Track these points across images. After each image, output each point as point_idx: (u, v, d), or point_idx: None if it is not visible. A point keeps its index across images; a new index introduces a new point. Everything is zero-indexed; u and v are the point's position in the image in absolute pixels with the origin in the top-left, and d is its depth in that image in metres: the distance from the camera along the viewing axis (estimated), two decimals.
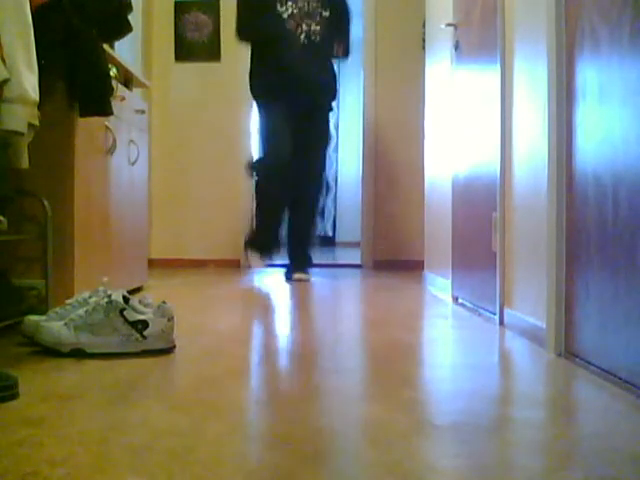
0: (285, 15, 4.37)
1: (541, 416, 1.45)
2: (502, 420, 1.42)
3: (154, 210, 5.41)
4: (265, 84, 4.48)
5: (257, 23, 4.46)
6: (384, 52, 5.56)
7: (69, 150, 2.52)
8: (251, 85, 4.56)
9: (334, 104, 4.72)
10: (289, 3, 4.40)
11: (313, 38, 4.40)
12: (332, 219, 9.29)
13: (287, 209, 4.52)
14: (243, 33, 4.53)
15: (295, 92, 4.38)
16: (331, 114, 4.73)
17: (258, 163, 4.55)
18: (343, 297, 3.82)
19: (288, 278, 4.47)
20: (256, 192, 4.57)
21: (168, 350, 2.02)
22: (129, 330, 1.97)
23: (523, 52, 2.47)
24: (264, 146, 4.48)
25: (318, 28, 4.40)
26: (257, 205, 4.54)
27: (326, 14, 4.45)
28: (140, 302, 2.07)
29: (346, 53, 4.73)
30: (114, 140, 2.97)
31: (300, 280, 4.38)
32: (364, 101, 5.69)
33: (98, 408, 1.43)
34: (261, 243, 4.49)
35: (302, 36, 4.38)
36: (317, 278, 4.65)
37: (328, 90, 4.57)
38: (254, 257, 4.51)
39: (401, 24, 5.53)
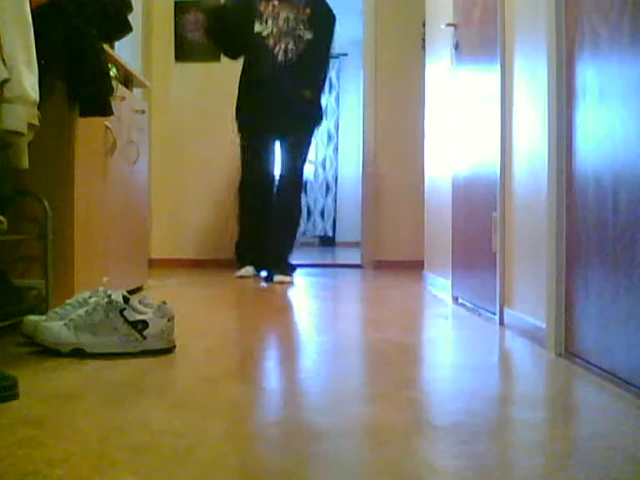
0: (265, 33, 4.41)
1: (541, 416, 1.45)
2: (502, 420, 1.42)
3: (154, 210, 5.41)
4: (244, 108, 4.52)
5: (235, 43, 4.55)
6: (384, 52, 5.56)
7: (69, 150, 2.52)
8: (236, 116, 4.58)
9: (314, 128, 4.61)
10: (269, 22, 4.42)
11: (290, 57, 4.40)
12: (332, 219, 9.30)
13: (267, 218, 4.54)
14: (213, 37, 4.68)
15: (270, 111, 4.41)
16: (314, 130, 4.60)
17: (239, 188, 4.65)
18: (343, 297, 3.82)
19: (268, 280, 4.37)
20: (239, 212, 4.66)
21: (168, 350, 2.02)
22: (129, 330, 1.97)
23: (523, 52, 2.47)
24: (243, 169, 4.58)
25: (295, 48, 4.40)
26: (240, 223, 4.65)
27: (309, 37, 4.42)
28: (140, 302, 2.07)
29: (313, 98, 4.50)
30: (114, 140, 2.97)
31: (282, 282, 4.28)
32: (364, 101, 5.70)
33: (98, 408, 1.43)
34: (245, 255, 4.61)
35: (279, 55, 4.39)
36: (317, 278, 4.65)
37: (304, 111, 4.47)
38: (244, 269, 4.59)
39: (401, 24, 5.53)
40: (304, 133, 4.52)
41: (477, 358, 2.05)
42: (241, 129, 4.55)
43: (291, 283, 4.29)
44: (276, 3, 4.45)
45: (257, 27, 4.42)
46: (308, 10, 4.46)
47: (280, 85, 4.38)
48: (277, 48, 4.40)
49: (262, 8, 4.45)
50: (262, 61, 4.42)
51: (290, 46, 4.40)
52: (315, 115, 4.53)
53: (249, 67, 4.50)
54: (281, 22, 4.42)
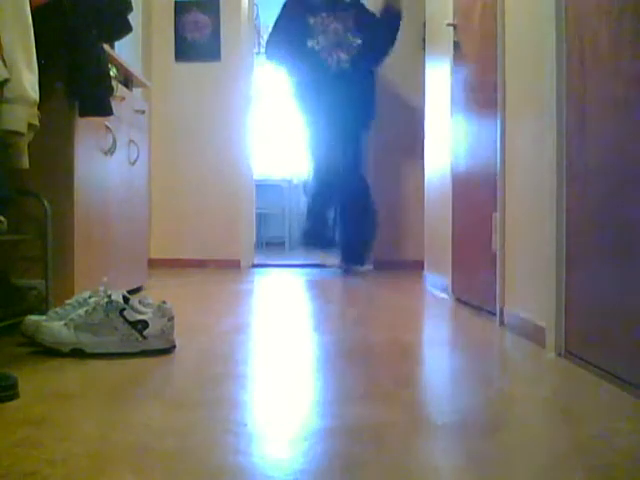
0: (317, 48, 4.77)
1: (541, 416, 1.45)
2: (502, 420, 1.42)
3: (154, 210, 5.41)
4: (305, 110, 4.95)
5: (289, 61, 4.91)
6: None
7: (69, 150, 2.52)
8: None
9: (370, 126, 5.05)
10: (320, 37, 4.78)
11: (343, 66, 4.77)
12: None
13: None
14: (272, 57, 4.99)
15: (328, 118, 4.82)
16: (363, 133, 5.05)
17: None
18: (343, 297, 3.82)
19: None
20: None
21: (168, 350, 2.02)
22: (129, 330, 1.97)
23: (523, 51, 2.46)
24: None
25: (348, 57, 4.77)
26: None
27: (358, 42, 4.79)
28: (140, 302, 2.07)
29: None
30: (114, 140, 2.97)
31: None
32: None
33: (98, 408, 1.43)
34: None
35: (333, 65, 4.77)
36: (317, 278, 4.65)
37: (358, 116, 4.88)
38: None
39: (401, 24, 5.52)
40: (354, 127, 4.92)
41: (477, 358, 2.05)
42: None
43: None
44: (324, 15, 4.80)
45: (308, 44, 4.77)
46: (352, 17, 4.81)
47: (333, 95, 4.77)
48: (329, 60, 4.76)
49: (312, 23, 4.79)
50: (318, 73, 4.79)
51: (342, 56, 4.77)
52: (363, 114, 4.92)
53: (306, 79, 4.85)
54: (332, 34, 4.79)
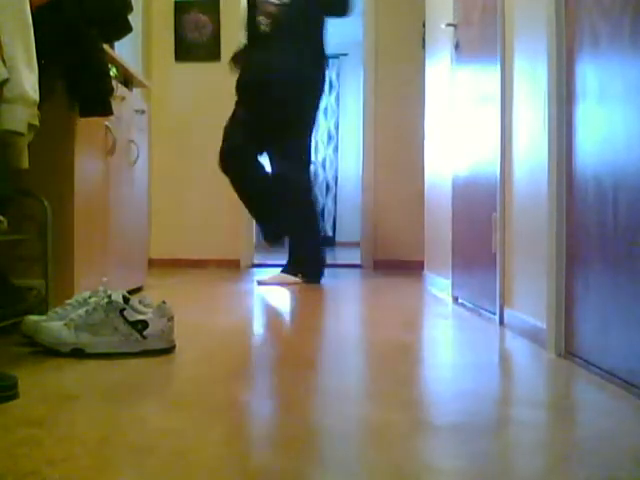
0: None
1: (541, 416, 1.45)
2: (502, 420, 1.42)
3: (154, 210, 5.41)
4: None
5: None
6: (384, 52, 5.56)
7: (69, 150, 2.52)
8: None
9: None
10: None
11: (264, 29, 4.23)
12: (332, 219, 9.30)
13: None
14: None
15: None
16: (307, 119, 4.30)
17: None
18: (343, 297, 3.82)
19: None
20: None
21: (168, 350, 2.02)
22: (129, 330, 1.97)
23: (523, 52, 2.47)
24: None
25: (269, 20, 4.21)
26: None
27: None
28: (140, 302, 2.07)
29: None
30: (114, 140, 2.97)
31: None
32: (364, 101, 5.70)
33: (98, 408, 1.43)
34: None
35: (261, 27, 4.26)
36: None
37: (284, 87, 4.10)
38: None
39: (401, 24, 5.53)
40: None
41: (477, 358, 2.05)
42: None
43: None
44: None
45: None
46: None
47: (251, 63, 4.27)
48: (257, 22, 4.28)
49: None
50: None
51: (262, 19, 4.25)
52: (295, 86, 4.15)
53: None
54: None
